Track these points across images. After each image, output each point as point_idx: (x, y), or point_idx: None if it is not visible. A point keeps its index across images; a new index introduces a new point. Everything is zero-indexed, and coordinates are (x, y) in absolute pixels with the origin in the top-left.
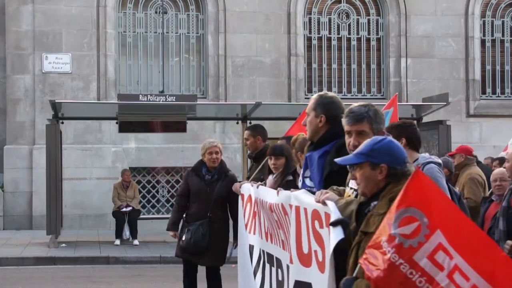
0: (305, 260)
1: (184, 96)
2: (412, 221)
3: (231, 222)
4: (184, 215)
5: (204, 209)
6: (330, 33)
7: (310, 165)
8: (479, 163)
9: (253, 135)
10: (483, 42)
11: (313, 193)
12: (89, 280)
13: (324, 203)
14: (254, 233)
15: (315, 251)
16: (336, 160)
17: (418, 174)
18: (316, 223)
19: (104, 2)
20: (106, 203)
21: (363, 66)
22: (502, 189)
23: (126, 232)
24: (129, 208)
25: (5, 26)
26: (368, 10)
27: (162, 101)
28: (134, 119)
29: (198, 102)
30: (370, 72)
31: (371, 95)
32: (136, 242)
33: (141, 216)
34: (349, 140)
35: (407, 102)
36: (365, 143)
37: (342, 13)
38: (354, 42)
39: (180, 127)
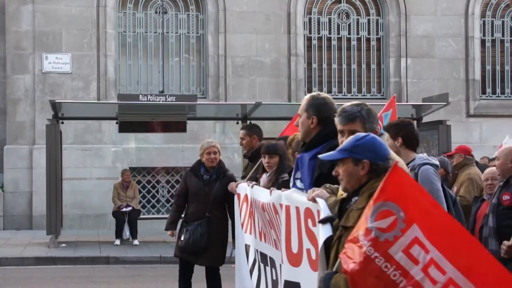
0: (294, 259)
1: (184, 96)
2: (389, 215)
3: (230, 222)
4: (182, 215)
5: (203, 209)
6: (330, 33)
7: (301, 166)
8: (476, 163)
9: (248, 134)
10: (483, 42)
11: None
12: (89, 280)
13: (314, 201)
14: (250, 233)
15: (308, 250)
16: (320, 156)
17: (396, 169)
18: (309, 221)
19: (104, 2)
20: (106, 203)
21: (363, 66)
22: (493, 188)
23: (126, 232)
24: (129, 208)
25: (5, 26)
26: (368, 10)
27: (162, 101)
28: (134, 119)
29: (198, 102)
30: (370, 72)
31: (371, 95)
32: (136, 242)
33: (141, 216)
34: (341, 140)
35: (407, 102)
36: (348, 139)
37: (342, 13)
38: (354, 42)
39: (180, 127)
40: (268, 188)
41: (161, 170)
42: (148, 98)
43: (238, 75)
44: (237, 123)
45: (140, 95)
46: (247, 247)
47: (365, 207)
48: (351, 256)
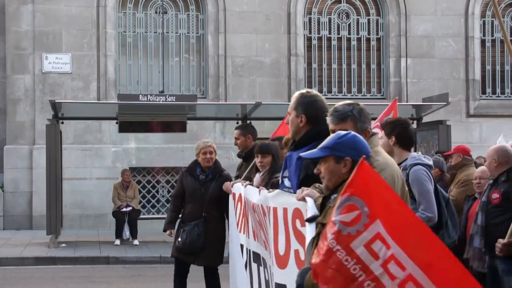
0: (281, 262)
1: (184, 96)
2: (353, 209)
3: (227, 222)
4: (180, 215)
5: (199, 209)
6: (330, 33)
7: (289, 165)
8: (475, 164)
9: (243, 134)
10: (483, 42)
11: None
12: (89, 280)
13: (304, 200)
14: (243, 233)
15: (296, 251)
16: (301, 154)
17: (363, 164)
18: (298, 222)
19: (104, 2)
20: (106, 203)
21: (363, 66)
22: (481, 187)
23: (126, 232)
24: (129, 208)
25: (5, 26)
26: (368, 10)
27: (162, 101)
28: (134, 119)
29: (198, 102)
30: (370, 72)
31: (371, 95)
32: (136, 242)
33: (141, 216)
34: None
35: (407, 102)
36: (330, 137)
37: (342, 13)
38: (354, 42)
39: (180, 127)
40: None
41: (161, 170)
42: (148, 98)
43: (238, 75)
44: (237, 123)
45: (140, 95)
46: (242, 247)
47: None
48: (319, 251)
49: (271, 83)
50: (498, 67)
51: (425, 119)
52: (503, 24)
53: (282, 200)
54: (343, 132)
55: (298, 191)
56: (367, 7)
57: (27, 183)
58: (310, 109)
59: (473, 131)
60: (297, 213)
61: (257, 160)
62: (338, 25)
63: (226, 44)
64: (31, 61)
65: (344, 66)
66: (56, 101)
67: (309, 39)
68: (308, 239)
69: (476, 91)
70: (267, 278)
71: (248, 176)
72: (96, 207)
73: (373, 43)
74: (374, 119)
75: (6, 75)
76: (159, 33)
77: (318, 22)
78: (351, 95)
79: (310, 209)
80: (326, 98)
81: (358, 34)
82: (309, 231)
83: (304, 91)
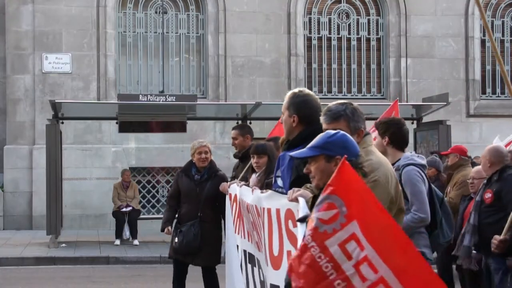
0: (275, 263)
1: (184, 96)
2: (332, 207)
3: (223, 221)
4: (177, 215)
5: (195, 209)
6: (330, 33)
7: (281, 165)
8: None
9: (241, 134)
10: (483, 42)
11: (283, 193)
12: (89, 280)
13: (296, 200)
14: (239, 233)
15: (289, 252)
16: (291, 153)
17: (344, 165)
18: (290, 223)
19: (104, 2)
20: (106, 203)
21: (363, 66)
22: (475, 187)
23: (126, 232)
24: (129, 208)
25: (5, 26)
26: (368, 10)
27: (162, 101)
28: (134, 119)
29: (198, 102)
30: (370, 72)
31: (371, 95)
32: (136, 242)
33: (141, 216)
34: None
35: (407, 102)
36: (319, 136)
37: (342, 13)
38: (354, 42)
39: (180, 127)
40: (259, 188)
41: (161, 170)
42: (148, 98)
43: (238, 75)
44: (237, 123)
45: (140, 95)
46: (238, 247)
47: None
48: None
49: (271, 83)
50: (498, 67)
51: (425, 119)
52: (487, 23)
53: (275, 201)
54: (332, 131)
55: (289, 191)
56: (367, 7)
57: (27, 183)
58: (302, 108)
59: (473, 131)
60: (289, 214)
61: (253, 160)
62: (338, 25)
63: (226, 44)
64: (31, 61)
65: (344, 66)
66: (56, 101)
67: (309, 39)
68: (299, 240)
69: (476, 91)
70: (262, 279)
71: (244, 176)
72: (96, 207)
73: (373, 43)
74: (375, 119)
75: (6, 75)
76: (159, 33)
77: (318, 22)
78: (351, 95)
79: (301, 209)
80: (326, 98)
81: (358, 34)
82: (301, 231)
83: (296, 90)
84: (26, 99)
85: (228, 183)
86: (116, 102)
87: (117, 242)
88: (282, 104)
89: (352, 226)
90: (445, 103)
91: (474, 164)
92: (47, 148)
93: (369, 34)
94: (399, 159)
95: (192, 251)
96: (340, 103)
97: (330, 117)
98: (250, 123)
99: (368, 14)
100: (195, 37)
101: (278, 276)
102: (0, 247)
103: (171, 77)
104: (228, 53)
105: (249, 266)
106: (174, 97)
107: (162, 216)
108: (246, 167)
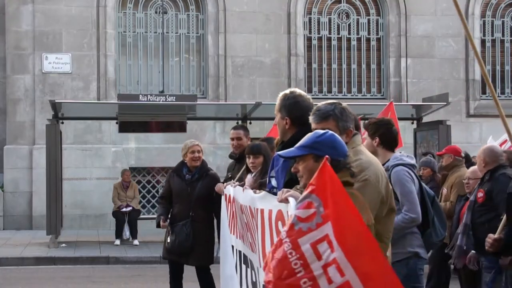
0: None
1: (184, 96)
2: (310, 206)
3: (216, 221)
4: (169, 216)
5: (186, 209)
6: (330, 33)
7: (275, 165)
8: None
9: (245, 134)
10: (483, 42)
11: (275, 193)
12: (89, 280)
13: (286, 201)
14: (233, 233)
15: None
16: (279, 153)
17: (325, 165)
18: (280, 224)
19: (104, 2)
20: (106, 203)
21: (363, 66)
22: (470, 187)
23: (126, 232)
24: (129, 208)
25: (5, 26)
26: (368, 10)
27: (162, 101)
28: (134, 119)
29: (198, 102)
30: (370, 72)
31: (371, 95)
32: (136, 242)
33: (141, 216)
34: None
35: (407, 102)
36: (307, 136)
37: (342, 13)
38: (354, 42)
39: (180, 127)
40: (255, 188)
41: (161, 170)
42: (148, 98)
43: (238, 75)
44: (237, 123)
45: (140, 95)
46: (232, 248)
47: None
48: None
49: (271, 83)
50: (498, 67)
51: (425, 119)
52: (465, 22)
53: (268, 202)
54: (321, 131)
55: (279, 192)
56: (367, 7)
57: (27, 183)
58: (292, 110)
59: (473, 131)
60: (280, 215)
61: (248, 161)
62: (338, 25)
63: (226, 44)
64: (31, 61)
65: (344, 66)
66: (56, 101)
67: (309, 39)
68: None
69: (476, 91)
70: (253, 280)
71: (241, 177)
72: (96, 207)
73: (373, 43)
74: None
75: (6, 75)
76: (159, 33)
77: (318, 22)
78: (351, 95)
79: (292, 210)
80: (326, 98)
81: (358, 34)
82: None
83: (287, 91)
84: (26, 99)
85: (225, 184)
86: (116, 102)
87: (117, 242)
88: None
89: (326, 227)
90: (445, 103)
91: (474, 164)
92: (47, 148)
93: (369, 34)
94: (389, 160)
95: (185, 251)
96: (329, 103)
97: (319, 116)
98: (250, 123)
99: (368, 14)
100: (195, 37)
101: None
102: (0, 247)
103: (171, 77)
104: (228, 53)
105: (243, 267)
106: (174, 97)
107: None
108: (243, 168)
